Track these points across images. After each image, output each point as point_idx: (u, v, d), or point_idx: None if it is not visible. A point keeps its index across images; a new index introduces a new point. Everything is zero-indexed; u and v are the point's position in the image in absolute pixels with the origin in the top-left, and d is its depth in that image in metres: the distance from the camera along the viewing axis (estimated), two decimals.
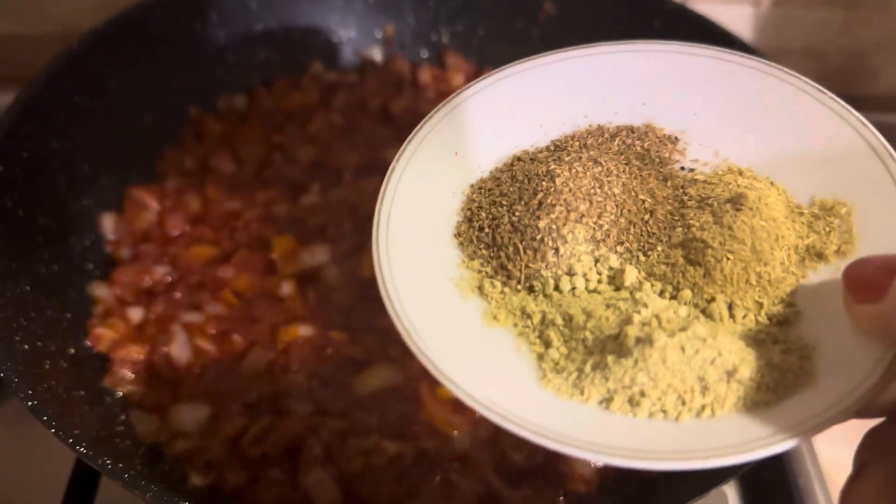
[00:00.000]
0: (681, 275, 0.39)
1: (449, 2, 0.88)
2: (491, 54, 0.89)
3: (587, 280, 0.39)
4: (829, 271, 0.39)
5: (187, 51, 0.81)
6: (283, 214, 0.75)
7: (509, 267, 0.39)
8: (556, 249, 0.39)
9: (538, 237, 0.39)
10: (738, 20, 0.90)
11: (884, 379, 0.33)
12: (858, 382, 0.34)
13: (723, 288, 0.38)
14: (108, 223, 0.73)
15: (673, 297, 0.39)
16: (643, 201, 0.41)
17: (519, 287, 0.39)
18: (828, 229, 0.40)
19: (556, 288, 0.39)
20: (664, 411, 0.35)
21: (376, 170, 0.78)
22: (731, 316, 0.38)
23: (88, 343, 0.66)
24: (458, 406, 0.62)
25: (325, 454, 0.60)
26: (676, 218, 0.41)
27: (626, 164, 0.43)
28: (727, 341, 0.35)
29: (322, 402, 0.63)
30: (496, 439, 0.61)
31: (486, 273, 0.40)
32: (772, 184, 0.42)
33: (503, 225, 0.40)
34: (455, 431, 0.61)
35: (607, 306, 0.38)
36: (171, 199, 0.76)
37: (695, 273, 0.39)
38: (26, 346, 0.58)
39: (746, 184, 0.41)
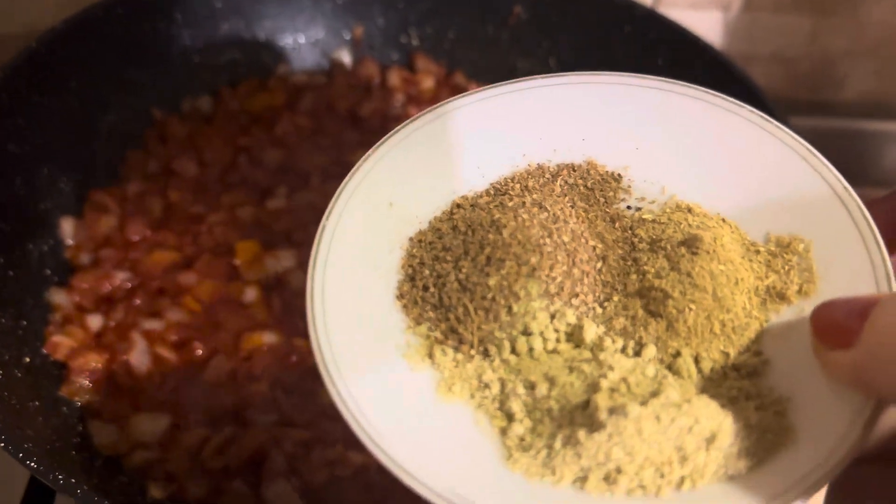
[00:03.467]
0: (642, 328, 0.37)
1: (419, 4, 0.86)
2: (461, 57, 0.88)
3: (545, 339, 0.37)
4: (792, 313, 0.37)
5: (151, 51, 0.79)
6: (249, 218, 0.74)
7: (460, 330, 0.36)
8: (510, 308, 0.36)
9: (489, 296, 0.36)
10: (708, 26, 0.90)
11: (865, 433, 0.32)
12: (840, 440, 0.32)
13: (687, 340, 0.36)
14: (67, 227, 0.71)
15: (637, 354, 0.37)
16: (594, 248, 0.39)
17: (473, 352, 0.36)
18: (787, 268, 0.38)
19: (513, 350, 0.36)
20: (643, 487, 0.32)
21: (344, 173, 0.77)
22: (699, 370, 0.36)
23: (45, 351, 0.64)
24: None
25: (288, 466, 0.58)
26: (629, 263, 0.39)
27: (572, 206, 0.40)
28: (702, 405, 0.33)
29: (286, 411, 0.62)
30: None
31: (436, 338, 0.37)
32: (723, 220, 0.39)
33: (450, 283, 0.37)
34: None
35: (570, 370, 0.35)
36: (133, 203, 0.74)
37: (657, 326, 0.37)
38: None
39: (698, 223, 0.39)
